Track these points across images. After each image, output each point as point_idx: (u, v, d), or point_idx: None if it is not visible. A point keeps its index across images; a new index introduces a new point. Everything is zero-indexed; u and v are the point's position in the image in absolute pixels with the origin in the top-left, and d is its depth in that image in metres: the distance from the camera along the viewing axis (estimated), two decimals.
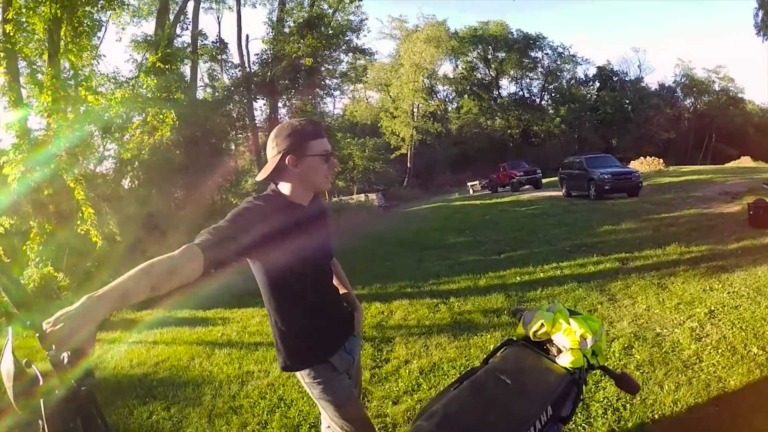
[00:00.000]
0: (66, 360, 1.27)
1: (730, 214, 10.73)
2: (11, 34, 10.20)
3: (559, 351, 2.08)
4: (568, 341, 2.04)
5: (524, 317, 2.21)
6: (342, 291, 2.30)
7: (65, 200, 10.32)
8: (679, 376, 3.69)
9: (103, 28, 17.87)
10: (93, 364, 1.36)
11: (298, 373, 2.07)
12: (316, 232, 2.05)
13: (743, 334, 4.33)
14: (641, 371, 3.84)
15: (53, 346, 1.24)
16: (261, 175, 1.96)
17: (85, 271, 9.91)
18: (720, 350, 4.05)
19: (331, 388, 2.02)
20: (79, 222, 9.86)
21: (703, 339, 4.32)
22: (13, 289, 7.78)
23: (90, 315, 1.28)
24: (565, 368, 1.98)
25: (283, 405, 4.03)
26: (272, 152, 1.93)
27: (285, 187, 1.96)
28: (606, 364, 2.19)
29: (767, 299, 5.14)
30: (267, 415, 3.93)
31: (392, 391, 4.03)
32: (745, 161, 37.04)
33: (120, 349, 6.41)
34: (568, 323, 2.07)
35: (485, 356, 2.22)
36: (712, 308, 5.04)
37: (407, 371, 4.39)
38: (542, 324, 2.09)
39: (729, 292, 5.52)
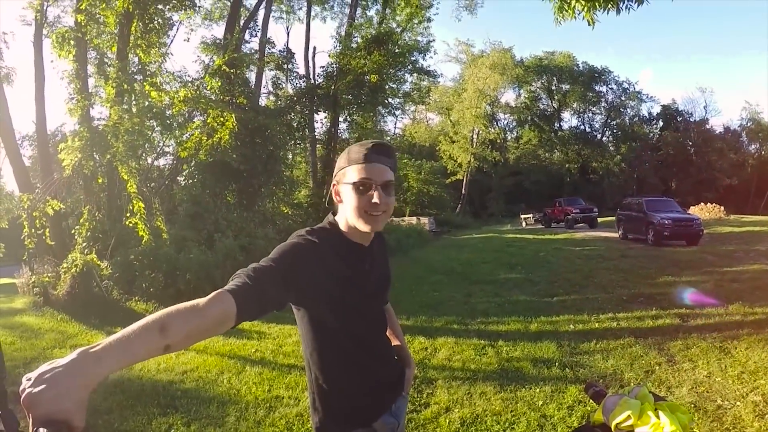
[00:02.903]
0: None
1: None
2: (83, 23, 10.49)
3: None
4: None
5: (606, 403, 1.83)
6: (394, 343, 1.92)
7: (117, 191, 10.45)
8: None
9: (175, 28, 18.27)
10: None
11: None
12: (376, 281, 1.68)
13: None
14: None
15: (29, 416, 0.84)
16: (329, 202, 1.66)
17: (128, 263, 9.91)
18: None
19: None
20: (128, 215, 9.90)
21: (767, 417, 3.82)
22: None
23: (82, 378, 0.88)
24: None
25: None
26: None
27: (341, 222, 1.60)
28: None
29: None
30: None
31: None
32: None
33: None
34: (657, 416, 1.68)
35: None
36: None
37: (447, 420, 4.01)
38: (629, 416, 1.71)
39: None
